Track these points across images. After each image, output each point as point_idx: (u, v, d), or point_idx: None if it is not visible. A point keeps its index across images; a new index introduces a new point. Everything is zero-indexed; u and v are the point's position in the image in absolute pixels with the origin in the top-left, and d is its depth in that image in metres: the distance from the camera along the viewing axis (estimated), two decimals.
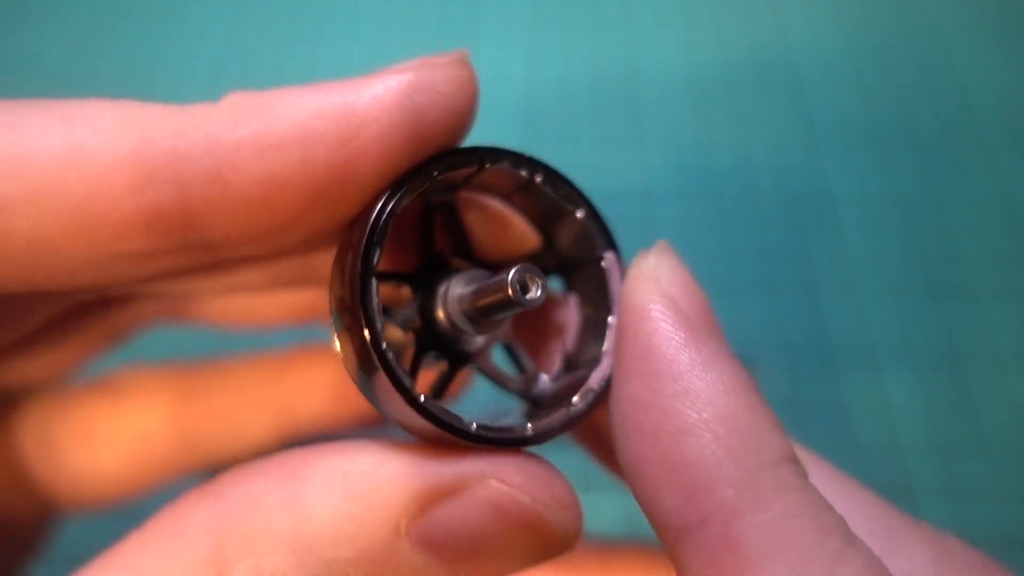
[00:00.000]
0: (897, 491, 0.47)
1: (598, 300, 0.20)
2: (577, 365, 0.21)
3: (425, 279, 0.20)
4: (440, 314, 0.19)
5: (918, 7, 0.72)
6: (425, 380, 0.20)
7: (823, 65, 0.68)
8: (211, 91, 0.18)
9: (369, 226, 0.17)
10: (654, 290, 0.17)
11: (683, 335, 0.16)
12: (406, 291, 0.20)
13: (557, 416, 0.18)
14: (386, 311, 0.19)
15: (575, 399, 0.19)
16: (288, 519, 0.16)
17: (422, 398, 0.17)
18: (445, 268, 0.20)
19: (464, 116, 0.18)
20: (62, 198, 0.16)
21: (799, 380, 0.52)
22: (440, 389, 0.20)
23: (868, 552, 0.14)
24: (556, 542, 0.17)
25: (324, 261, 0.23)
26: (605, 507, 0.45)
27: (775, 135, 0.64)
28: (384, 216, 0.17)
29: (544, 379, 0.22)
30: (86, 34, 0.67)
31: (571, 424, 0.19)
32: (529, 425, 0.18)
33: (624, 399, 0.17)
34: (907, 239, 0.58)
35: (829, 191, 0.60)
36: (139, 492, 0.29)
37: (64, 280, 0.18)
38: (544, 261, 0.22)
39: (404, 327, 0.20)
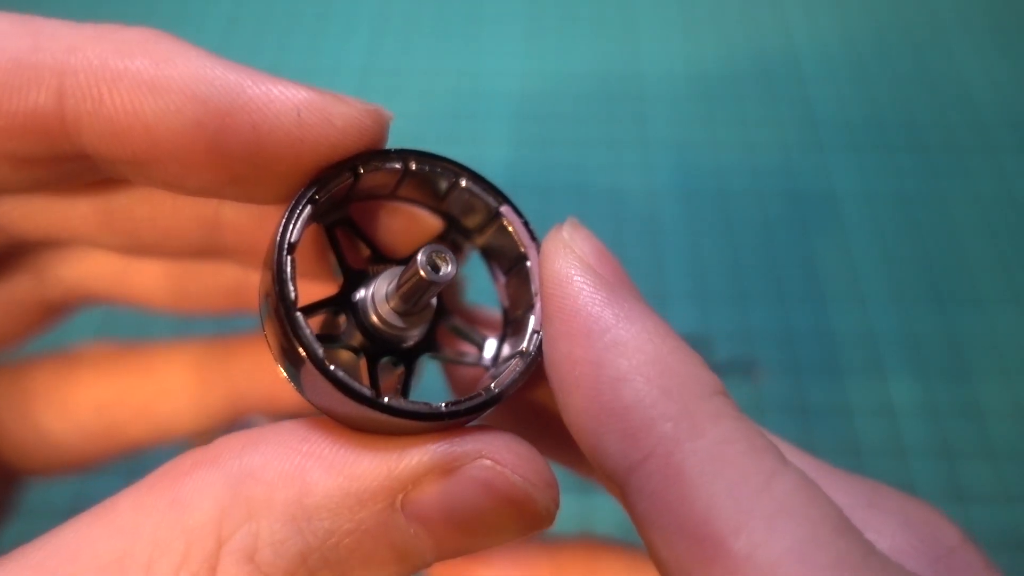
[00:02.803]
0: None
1: (511, 250, 0.21)
2: (516, 317, 0.22)
3: (349, 296, 0.21)
4: (374, 319, 0.20)
5: (920, 5, 0.72)
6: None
7: (826, 65, 0.68)
8: None
9: (275, 265, 0.18)
10: (572, 258, 0.18)
11: (604, 294, 0.18)
12: (342, 317, 0.21)
13: (512, 366, 0.20)
14: (329, 339, 0.20)
15: (523, 345, 0.20)
16: (290, 491, 0.17)
17: (386, 399, 0.17)
18: (366, 279, 0.21)
19: (344, 151, 0.19)
20: None
21: (802, 381, 0.51)
22: (404, 390, 0.21)
23: (800, 471, 0.15)
24: (539, 518, 0.18)
25: (230, 239, 0.24)
26: (601, 509, 0.45)
27: (778, 134, 0.63)
28: (284, 249, 0.18)
29: (492, 341, 0.23)
30: None
31: (528, 368, 0.19)
32: (492, 385, 0.19)
33: (559, 359, 0.18)
34: (910, 237, 0.58)
35: (832, 189, 0.60)
36: (97, 460, 0.30)
37: None
38: (452, 236, 0.23)
39: (348, 347, 0.21)
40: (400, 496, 0.17)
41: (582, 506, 0.45)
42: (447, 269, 0.18)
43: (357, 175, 0.20)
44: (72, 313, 0.29)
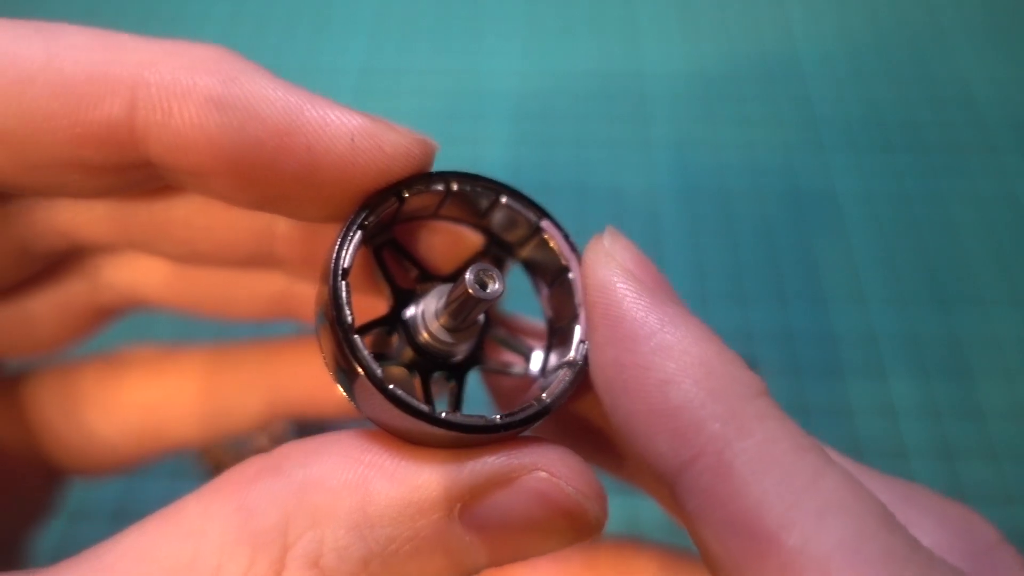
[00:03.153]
0: None
1: (552, 263, 0.22)
2: (560, 327, 0.23)
3: (399, 315, 0.22)
4: (424, 336, 0.21)
5: (921, 5, 0.72)
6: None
7: (827, 64, 0.68)
8: None
9: (331, 291, 0.19)
10: (614, 266, 0.19)
11: (648, 300, 0.18)
12: (393, 336, 0.22)
13: (561, 376, 0.20)
14: (382, 357, 0.21)
15: (570, 355, 0.20)
16: (353, 499, 0.17)
17: (443, 414, 0.18)
18: (414, 297, 0.22)
19: (392, 177, 0.20)
20: (34, 99, 0.18)
21: (802, 381, 0.51)
22: (456, 403, 0.22)
23: (844, 469, 0.16)
24: (589, 528, 0.19)
25: (281, 251, 0.25)
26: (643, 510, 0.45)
27: (778, 133, 0.63)
28: (339, 275, 0.19)
29: (538, 352, 0.23)
30: None
31: (577, 377, 0.20)
32: (544, 395, 0.20)
33: (606, 365, 0.19)
34: (910, 236, 0.58)
35: (833, 189, 0.60)
36: (139, 461, 0.31)
37: (25, 177, 0.20)
38: (494, 251, 0.24)
39: (401, 363, 0.22)
40: (458, 506, 0.18)
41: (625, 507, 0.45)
42: (495, 287, 0.19)
43: (402, 199, 0.21)
44: (120, 317, 0.30)
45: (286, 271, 0.26)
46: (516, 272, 0.25)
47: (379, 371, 0.18)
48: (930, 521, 0.19)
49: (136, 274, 0.28)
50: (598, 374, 0.19)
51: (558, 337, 0.23)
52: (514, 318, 0.26)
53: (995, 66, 0.67)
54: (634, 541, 0.29)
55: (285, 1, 0.72)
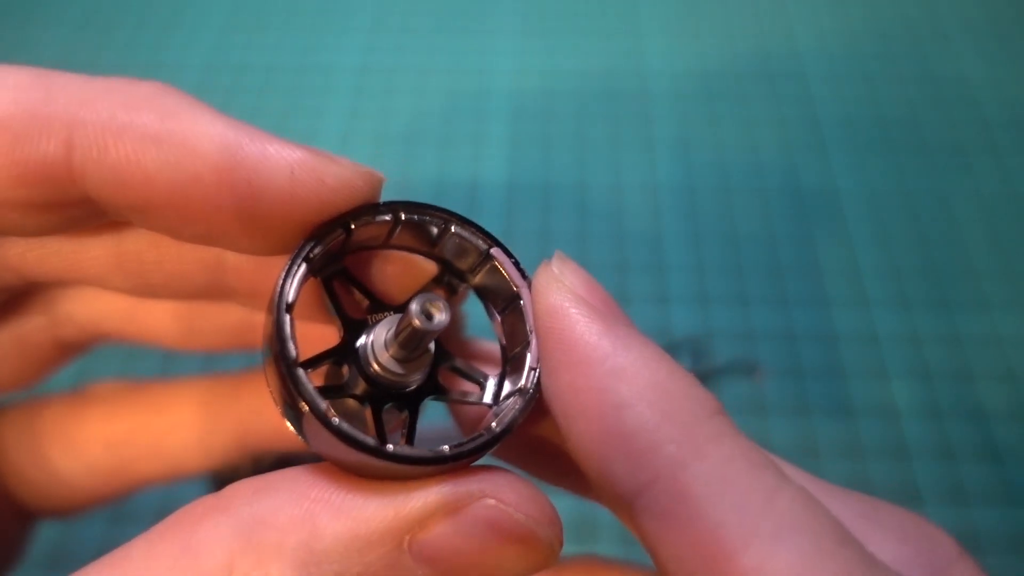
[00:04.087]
0: (904, 497, 0.46)
1: (504, 290, 0.22)
2: (513, 354, 0.23)
3: (350, 346, 0.22)
4: (375, 367, 0.21)
5: (923, 5, 0.72)
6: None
7: (829, 64, 0.68)
8: (203, 95, 0.21)
9: (275, 325, 0.19)
10: (564, 291, 0.19)
11: (599, 324, 0.18)
12: (344, 367, 0.22)
13: (512, 403, 0.20)
14: (332, 389, 0.21)
15: (521, 382, 0.21)
16: (300, 535, 0.17)
17: (390, 447, 0.18)
18: (366, 327, 0.22)
19: (335, 209, 0.20)
20: None
21: (804, 382, 0.51)
22: (409, 434, 0.21)
23: (800, 487, 0.16)
24: (544, 555, 0.18)
25: (232, 282, 0.25)
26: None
27: (781, 133, 0.63)
28: (283, 309, 0.19)
29: (492, 380, 0.23)
30: (81, 36, 0.67)
31: (528, 404, 0.20)
32: (493, 424, 0.20)
33: (561, 389, 0.19)
34: (913, 237, 0.57)
35: (835, 189, 0.60)
36: (107, 499, 0.30)
37: None
38: (447, 279, 0.24)
39: (353, 395, 0.21)
40: (407, 538, 0.18)
41: (584, 516, 0.45)
42: (440, 317, 0.19)
43: (349, 231, 0.20)
44: (83, 352, 0.30)
45: (241, 302, 0.26)
46: (474, 297, 0.25)
47: (323, 405, 0.18)
48: (890, 537, 0.19)
49: (95, 308, 0.28)
50: (553, 398, 0.19)
51: (512, 364, 0.23)
52: (472, 343, 0.26)
53: (997, 65, 0.67)
54: (596, 560, 0.29)
55: (283, 1, 0.72)
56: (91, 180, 0.19)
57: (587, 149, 0.62)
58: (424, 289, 0.23)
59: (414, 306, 0.19)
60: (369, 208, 0.21)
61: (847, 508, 0.19)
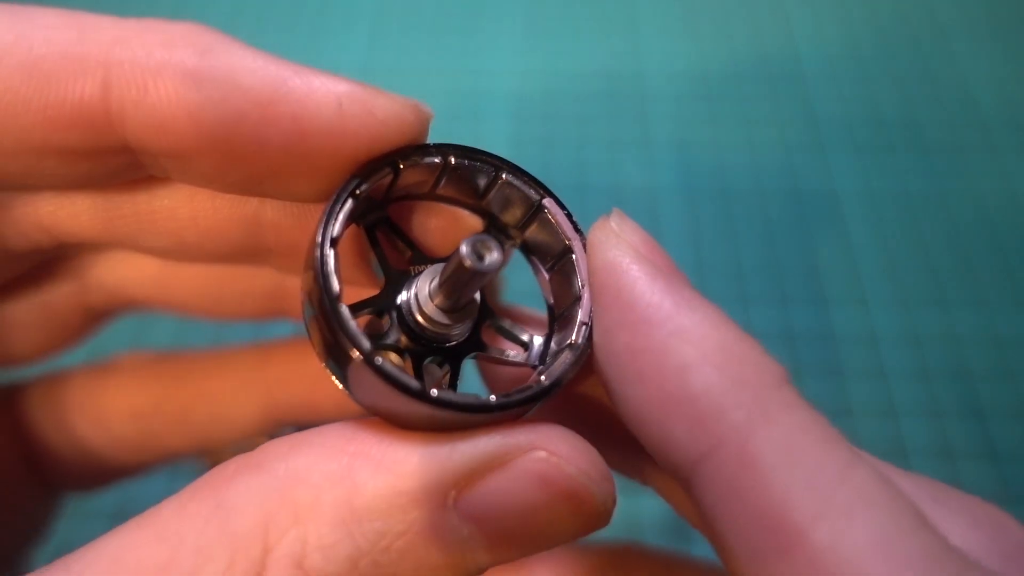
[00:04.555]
0: None
1: (554, 245, 0.21)
2: (561, 312, 0.21)
3: (392, 297, 0.21)
4: (418, 317, 0.20)
5: (922, 5, 0.72)
6: None
7: (828, 64, 0.68)
8: None
9: (318, 259, 0.18)
10: (624, 246, 0.18)
11: (662, 282, 0.17)
12: (385, 319, 0.21)
13: (563, 359, 0.19)
14: (374, 338, 0.20)
15: (571, 337, 0.19)
16: (338, 492, 0.16)
17: (434, 392, 0.17)
18: (407, 279, 0.21)
19: (385, 145, 0.19)
20: (2, 80, 0.18)
21: (803, 381, 0.51)
22: (451, 388, 0.20)
23: (872, 464, 0.15)
24: (596, 514, 0.17)
25: (270, 239, 0.24)
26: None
27: (780, 133, 0.63)
28: (327, 242, 0.18)
29: (538, 339, 0.22)
30: None
31: (579, 359, 0.19)
32: (542, 378, 0.18)
33: (616, 350, 0.17)
34: (912, 237, 0.57)
35: (834, 189, 0.60)
36: (134, 470, 0.30)
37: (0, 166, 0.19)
38: (492, 235, 0.22)
39: (393, 347, 0.20)
40: (452, 493, 0.17)
41: (625, 508, 0.44)
42: (493, 257, 0.17)
43: (397, 170, 0.19)
44: (111, 319, 0.29)
45: (275, 264, 0.25)
46: (516, 262, 0.24)
47: (367, 344, 0.17)
48: (960, 521, 0.18)
49: (124, 273, 0.27)
50: (606, 360, 0.18)
51: (559, 323, 0.21)
52: (514, 308, 0.25)
53: (996, 66, 0.67)
54: (631, 544, 0.28)
55: (284, 1, 0.72)
56: (130, 123, 0.18)
57: (587, 150, 0.62)
58: None
59: (464, 246, 0.17)
60: (418, 148, 0.20)
61: (918, 489, 0.18)
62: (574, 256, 0.20)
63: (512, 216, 0.22)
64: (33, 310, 0.26)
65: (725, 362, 0.16)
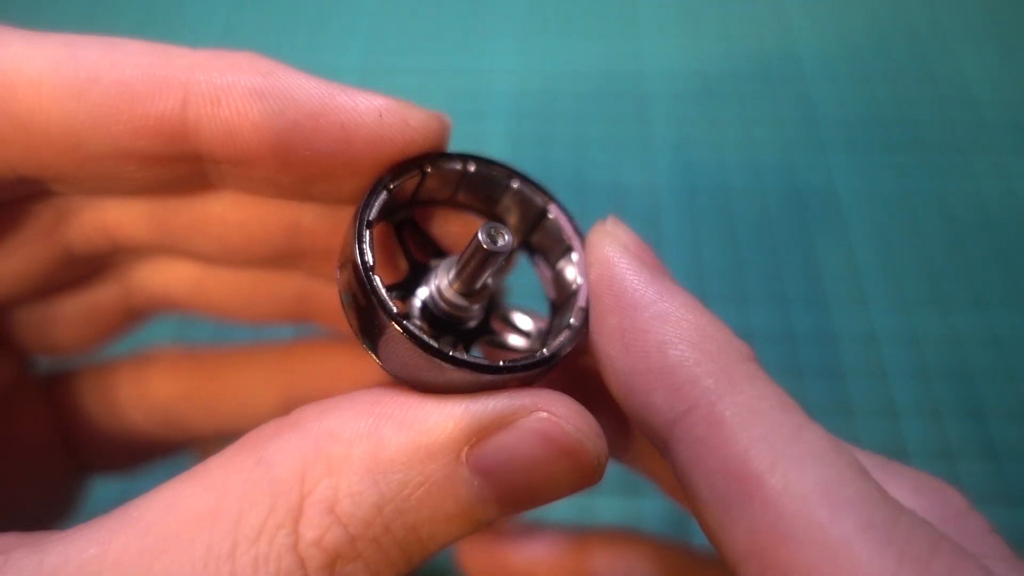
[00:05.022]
0: None
1: (557, 246, 0.24)
2: (562, 303, 0.24)
3: (414, 286, 0.24)
4: (439, 301, 0.23)
5: (921, 4, 0.72)
6: None
7: (827, 63, 0.68)
8: None
9: (355, 236, 0.21)
10: (617, 244, 0.21)
11: (647, 275, 0.21)
12: (408, 302, 0.24)
13: (563, 336, 0.22)
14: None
15: (570, 320, 0.22)
16: (366, 446, 0.19)
17: (451, 352, 0.20)
18: (428, 271, 0.24)
19: (416, 150, 0.22)
20: (100, 95, 0.21)
21: (803, 381, 0.51)
22: None
23: (823, 428, 0.18)
24: (591, 468, 0.20)
25: (308, 244, 0.28)
26: (605, 511, 0.45)
27: (779, 133, 0.63)
28: (364, 223, 0.21)
29: (541, 328, 0.25)
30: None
31: (575, 338, 0.22)
32: (544, 350, 0.21)
33: (608, 330, 0.20)
34: (911, 236, 0.57)
35: (833, 188, 0.60)
36: (161, 455, 0.33)
37: (85, 168, 0.22)
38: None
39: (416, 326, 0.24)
40: (464, 449, 0.19)
41: (626, 507, 0.45)
42: (505, 240, 0.21)
43: (424, 172, 0.23)
44: (146, 321, 0.32)
45: (308, 268, 0.28)
46: (520, 269, 0.26)
47: (395, 308, 0.19)
48: (904, 487, 0.20)
49: (166, 277, 0.30)
50: (599, 338, 0.21)
51: (559, 311, 0.24)
52: (518, 306, 0.28)
53: (996, 65, 0.67)
54: (628, 530, 0.31)
55: (284, 2, 0.72)
56: (203, 133, 0.22)
57: (586, 150, 0.62)
58: None
59: (480, 232, 0.20)
60: (444, 155, 0.23)
61: (868, 460, 0.20)
62: (574, 255, 0.23)
63: (521, 221, 0.25)
64: (80, 308, 0.30)
65: (698, 340, 0.19)
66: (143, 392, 0.32)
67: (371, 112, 0.22)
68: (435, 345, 0.19)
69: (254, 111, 0.21)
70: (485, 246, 0.20)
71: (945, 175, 0.61)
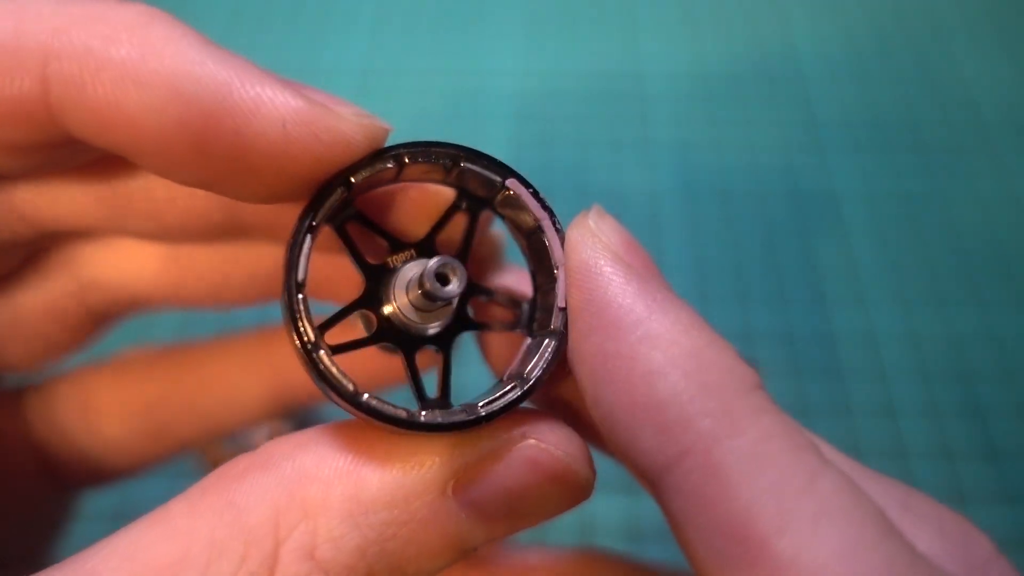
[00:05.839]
0: None
1: (525, 220, 0.21)
2: (541, 284, 0.22)
3: (377, 298, 0.21)
4: (400, 318, 0.20)
5: (922, 6, 0.72)
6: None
7: (828, 65, 0.68)
8: None
9: (287, 307, 0.18)
10: (600, 247, 0.18)
11: (635, 285, 0.17)
12: (372, 316, 0.21)
13: (542, 349, 0.19)
14: (362, 341, 0.20)
15: (552, 323, 0.20)
16: (345, 487, 0.17)
17: (422, 416, 0.18)
18: (386, 273, 0.21)
19: (334, 168, 0.19)
20: None
21: (803, 382, 0.51)
22: (444, 377, 0.21)
23: (841, 471, 0.15)
24: (580, 491, 0.18)
25: (250, 218, 0.24)
26: (607, 512, 0.45)
27: (780, 134, 0.63)
28: (293, 291, 0.18)
29: (525, 306, 0.22)
30: None
31: (559, 348, 0.19)
32: (524, 373, 0.19)
33: (589, 353, 0.17)
34: (911, 237, 0.58)
35: (834, 190, 0.60)
36: (146, 463, 0.30)
37: None
38: (467, 205, 0.22)
39: (384, 345, 0.21)
40: (451, 483, 0.18)
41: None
42: (453, 287, 0.18)
43: (350, 186, 0.19)
44: (114, 323, 0.29)
45: (265, 237, 0.25)
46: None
47: (350, 386, 0.18)
48: (928, 529, 0.18)
49: (122, 268, 0.27)
50: (579, 362, 0.18)
51: (540, 294, 0.22)
52: (502, 283, 0.25)
53: (996, 66, 0.67)
54: (596, 552, 0.28)
55: (286, 1, 0.72)
56: (71, 120, 0.18)
57: (587, 150, 0.62)
58: (444, 218, 0.22)
59: (430, 268, 0.18)
60: (369, 159, 0.19)
61: (887, 496, 0.18)
62: (544, 236, 0.20)
63: (482, 191, 0.22)
64: (35, 311, 0.27)
65: (694, 368, 0.16)
66: (120, 398, 0.29)
67: (273, 121, 0.17)
68: (400, 416, 0.18)
69: (128, 102, 0.17)
70: (430, 288, 0.18)
71: (945, 176, 0.61)
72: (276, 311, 0.29)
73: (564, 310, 0.19)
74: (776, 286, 0.55)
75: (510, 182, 0.20)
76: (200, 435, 0.30)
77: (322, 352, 0.18)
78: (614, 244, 0.18)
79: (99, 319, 0.28)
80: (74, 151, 0.20)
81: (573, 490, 0.18)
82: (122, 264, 0.27)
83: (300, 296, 0.18)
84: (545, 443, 0.18)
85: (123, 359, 0.30)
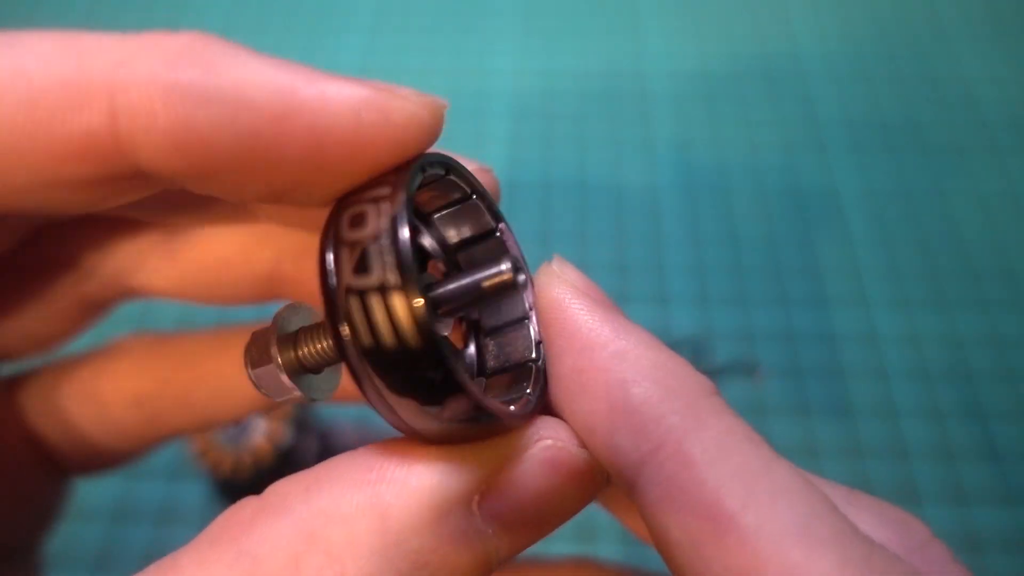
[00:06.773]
0: (903, 497, 0.46)
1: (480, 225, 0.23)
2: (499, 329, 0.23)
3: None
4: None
5: (923, 5, 0.72)
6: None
7: (829, 64, 0.68)
8: None
9: (399, 256, 0.17)
10: (565, 285, 0.21)
11: (599, 314, 0.20)
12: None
13: (536, 379, 0.21)
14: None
15: (533, 355, 0.21)
16: (370, 521, 0.17)
17: (512, 409, 0.18)
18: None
19: (407, 151, 0.19)
20: (2, 117, 0.17)
21: (804, 382, 0.51)
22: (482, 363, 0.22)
23: (790, 463, 0.17)
24: (597, 485, 0.19)
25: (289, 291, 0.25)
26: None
27: (781, 133, 0.63)
28: (403, 231, 0.17)
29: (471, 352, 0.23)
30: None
31: (546, 374, 0.21)
32: (527, 391, 0.20)
33: (566, 373, 0.20)
34: (912, 237, 0.57)
35: (835, 189, 0.60)
36: (140, 452, 0.31)
37: (5, 202, 0.19)
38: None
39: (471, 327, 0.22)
40: (476, 499, 0.18)
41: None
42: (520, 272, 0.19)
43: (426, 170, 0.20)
44: (108, 311, 0.29)
45: (289, 293, 0.26)
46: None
47: (476, 387, 0.17)
48: (869, 518, 0.20)
49: (120, 260, 0.27)
50: (558, 382, 0.20)
51: (493, 339, 0.23)
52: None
53: (997, 66, 0.67)
54: (593, 561, 0.29)
55: (284, 2, 0.72)
56: (141, 150, 0.18)
57: (587, 149, 0.62)
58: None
59: (494, 268, 0.18)
60: (437, 158, 0.20)
61: (832, 489, 0.20)
62: (498, 233, 0.22)
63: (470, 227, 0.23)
64: (29, 299, 0.27)
65: (660, 377, 0.18)
66: (114, 387, 0.29)
67: (346, 112, 0.18)
68: (508, 410, 0.18)
69: (199, 121, 0.17)
70: (504, 277, 0.18)
71: (946, 175, 0.61)
72: (273, 307, 0.29)
73: (541, 344, 0.21)
74: (776, 285, 0.55)
75: (501, 226, 0.22)
76: (191, 427, 0.30)
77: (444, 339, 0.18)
78: (576, 282, 0.21)
79: (95, 308, 0.28)
80: (136, 185, 0.20)
81: (592, 485, 0.19)
82: (118, 255, 0.27)
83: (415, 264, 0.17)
84: (561, 440, 0.19)
85: (118, 348, 0.30)
